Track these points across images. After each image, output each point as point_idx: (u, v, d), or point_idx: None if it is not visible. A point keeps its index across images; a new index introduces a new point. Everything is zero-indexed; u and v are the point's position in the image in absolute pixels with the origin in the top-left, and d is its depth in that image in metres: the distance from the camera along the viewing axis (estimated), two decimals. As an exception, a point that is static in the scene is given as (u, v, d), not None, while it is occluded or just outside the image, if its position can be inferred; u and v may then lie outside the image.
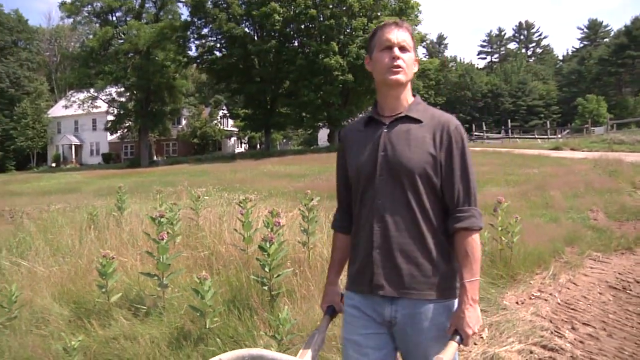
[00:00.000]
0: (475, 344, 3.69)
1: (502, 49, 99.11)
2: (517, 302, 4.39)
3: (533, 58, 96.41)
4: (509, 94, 76.55)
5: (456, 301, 1.83)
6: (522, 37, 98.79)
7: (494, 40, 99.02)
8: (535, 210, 8.80)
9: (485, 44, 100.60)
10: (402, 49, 1.84)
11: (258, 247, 3.99)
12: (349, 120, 36.56)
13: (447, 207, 1.85)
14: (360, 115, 1.76)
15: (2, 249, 6.21)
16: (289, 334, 3.23)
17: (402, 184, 1.82)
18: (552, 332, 3.86)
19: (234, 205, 7.13)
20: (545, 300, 4.47)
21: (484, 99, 78.22)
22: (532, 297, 4.52)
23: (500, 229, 4.97)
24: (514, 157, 23.09)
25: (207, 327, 3.57)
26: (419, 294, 1.80)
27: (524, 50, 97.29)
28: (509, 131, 51.59)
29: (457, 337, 1.72)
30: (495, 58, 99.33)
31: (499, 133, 54.47)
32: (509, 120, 55.08)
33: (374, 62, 1.89)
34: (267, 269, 3.85)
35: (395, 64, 1.82)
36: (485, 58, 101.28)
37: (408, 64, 1.86)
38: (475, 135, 50.60)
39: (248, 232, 4.81)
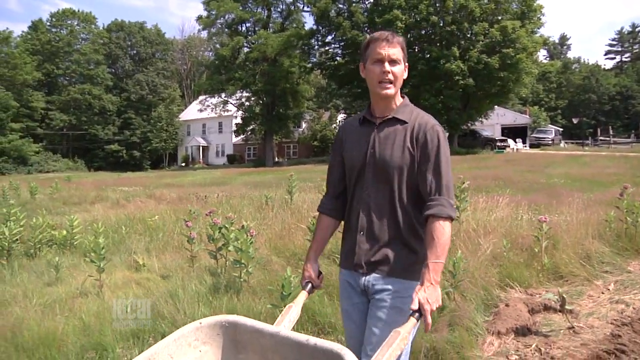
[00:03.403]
0: (602, 293, 4.71)
1: (635, 46, 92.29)
2: (640, 269, 5.30)
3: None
4: (642, 96, 71.43)
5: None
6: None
7: (626, 38, 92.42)
8: (663, 208, 9.24)
9: (614, 42, 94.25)
10: (392, 62, 2.04)
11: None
12: (469, 124, 36.91)
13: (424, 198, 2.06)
14: (357, 114, 2.31)
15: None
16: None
17: (385, 178, 2.06)
18: (672, 290, 4.74)
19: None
20: (668, 269, 5.32)
21: (612, 102, 73.65)
22: (655, 266, 5.39)
23: (625, 210, 5.87)
24: (645, 161, 22.46)
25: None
26: (390, 271, 2.06)
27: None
28: (640, 135, 48.62)
29: (417, 314, 1.84)
30: (627, 57, 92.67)
31: (629, 137, 51.45)
32: (641, 124, 51.74)
33: (367, 72, 2.11)
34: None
35: (385, 78, 2.04)
36: (614, 58, 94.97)
37: (397, 75, 2.07)
38: (600, 139, 48.32)
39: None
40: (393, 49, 2.03)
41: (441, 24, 33.23)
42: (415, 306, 1.83)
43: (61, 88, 64.60)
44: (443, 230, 1.94)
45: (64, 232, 7.73)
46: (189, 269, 5.78)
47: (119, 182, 22.65)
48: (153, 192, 13.92)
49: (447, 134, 37.99)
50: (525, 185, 12.65)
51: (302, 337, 1.64)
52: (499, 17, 33.60)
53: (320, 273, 2.27)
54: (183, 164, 62.00)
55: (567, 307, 4.04)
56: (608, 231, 5.88)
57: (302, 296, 2.15)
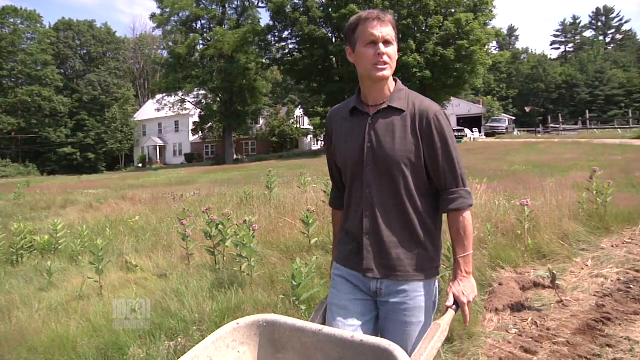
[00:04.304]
0: (582, 269, 5.08)
1: (577, 37, 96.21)
2: (612, 245, 5.73)
3: (612, 45, 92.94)
4: (586, 84, 74.59)
5: (436, 281, 1.99)
6: (599, 23, 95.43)
7: (569, 29, 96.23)
8: (621, 189, 9.84)
9: (558, 33, 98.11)
10: (386, 42, 1.86)
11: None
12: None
13: (434, 192, 1.95)
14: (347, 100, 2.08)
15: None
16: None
17: (389, 173, 1.88)
18: (643, 263, 5.17)
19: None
20: (637, 244, 5.76)
21: (559, 90, 76.58)
22: (624, 243, 5.83)
23: (595, 192, 6.32)
24: (595, 146, 23.57)
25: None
26: (404, 275, 1.91)
27: (601, 38, 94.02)
28: (587, 122, 50.74)
29: (454, 306, 1.84)
30: (570, 48, 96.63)
31: (576, 124, 53.63)
32: (587, 111, 54.05)
33: (359, 56, 1.90)
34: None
35: (381, 60, 1.85)
36: (558, 48, 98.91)
37: (392, 57, 1.88)
38: (551, 127, 50.18)
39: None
40: (386, 28, 1.85)
41: (397, 18, 33.70)
42: (450, 301, 1.85)
43: (7, 90, 62.22)
44: (468, 222, 1.90)
45: (46, 237, 7.64)
46: (185, 267, 5.86)
47: (82, 185, 22.17)
48: (125, 194, 13.77)
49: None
50: (490, 173, 13.13)
51: (347, 333, 1.62)
52: (453, 10, 34.45)
53: None
54: (140, 165, 60.90)
55: (556, 282, 4.37)
56: (581, 212, 6.33)
57: None
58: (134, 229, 8.21)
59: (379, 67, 1.85)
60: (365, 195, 1.92)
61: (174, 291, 5.02)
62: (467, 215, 1.90)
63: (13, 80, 63.90)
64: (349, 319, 1.95)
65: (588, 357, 3.40)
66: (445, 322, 1.74)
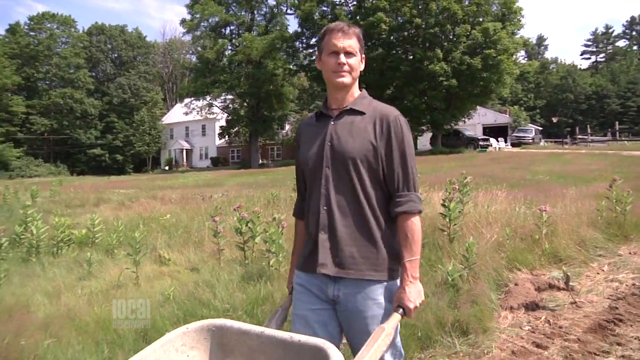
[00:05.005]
0: (598, 273, 5.25)
1: (609, 47, 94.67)
2: (629, 253, 5.87)
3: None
4: (617, 94, 73.36)
5: (397, 282, 1.98)
6: (633, 33, 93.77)
7: (600, 39, 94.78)
8: (645, 200, 9.89)
9: (589, 43, 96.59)
10: (348, 54, 1.97)
11: (441, 205, 5.80)
12: (452, 124, 37.62)
13: (390, 193, 1.99)
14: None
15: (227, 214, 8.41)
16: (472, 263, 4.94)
17: (346, 171, 1.94)
18: (658, 270, 5.31)
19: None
20: (654, 252, 5.90)
21: (588, 101, 75.45)
22: (642, 250, 5.97)
23: (614, 200, 6.46)
24: (623, 158, 23.34)
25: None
26: (358, 274, 1.93)
27: (635, 48, 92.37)
28: (616, 133, 49.97)
29: (400, 310, 1.86)
30: (601, 58, 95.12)
31: (605, 136, 52.88)
32: (617, 123, 53.22)
33: (323, 64, 2.03)
34: (447, 220, 5.65)
35: (341, 68, 1.96)
36: (589, 58, 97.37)
37: (354, 67, 1.99)
38: (579, 138, 49.60)
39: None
40: (349, 40, 1.97)
41: (424, 26, 33.91)
42: (396, 306, 1.89)
43: (41, 92, 64.03)
44: (416, 226, 1.93)
45: (84, 231, 8.07)
46: (215, 262, 6.19)
47: (112, 185, 22.85)
48: (155, 194, 14.27)
49: (431, 134, 38.76)
50: (513, 182, 13.24)
51: (286, 334, 1.65)
52: (481, 19, 34.46)
53: None
54: (167, 167, 61.98)
55: (569, 284, 4.57)
56: (600, 220, 6.48)
57: (289, 300, 2.17)
58: (166, 226, 8.59)
59: (339, 73, 1.97)
60: (323, 192, 1.98)
61: (205, 283, 5.34)
62: (416, 219, 1.94)
63: (47, 82, 65.73)
64: (310, 329, 1.98)
65: (597, 353, 3.58)
66: (390, 325, 1.76)
